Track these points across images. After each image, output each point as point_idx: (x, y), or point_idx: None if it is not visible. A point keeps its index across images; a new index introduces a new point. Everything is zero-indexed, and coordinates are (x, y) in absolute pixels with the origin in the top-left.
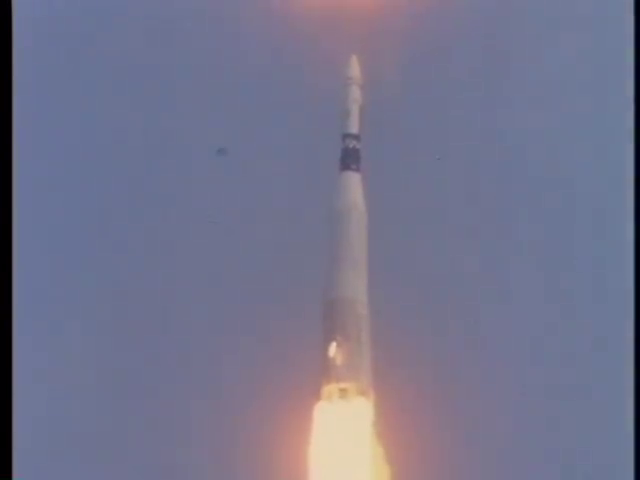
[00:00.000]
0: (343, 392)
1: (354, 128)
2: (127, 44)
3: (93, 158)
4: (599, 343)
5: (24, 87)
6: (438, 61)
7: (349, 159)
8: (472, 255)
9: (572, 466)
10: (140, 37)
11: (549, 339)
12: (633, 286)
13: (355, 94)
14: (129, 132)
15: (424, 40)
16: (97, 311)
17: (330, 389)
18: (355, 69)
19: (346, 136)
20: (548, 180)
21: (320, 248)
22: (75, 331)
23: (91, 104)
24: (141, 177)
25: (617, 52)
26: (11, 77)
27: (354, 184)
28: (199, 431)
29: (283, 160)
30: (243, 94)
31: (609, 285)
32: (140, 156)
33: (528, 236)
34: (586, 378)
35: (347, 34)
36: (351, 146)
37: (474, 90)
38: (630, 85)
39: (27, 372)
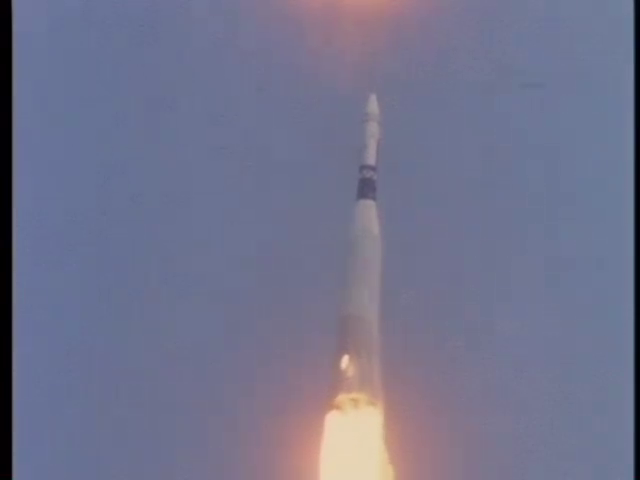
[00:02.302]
0: (354, 402)
1: (371, 160)
2: (129, 45)
3: (94, 158)
4: (601, 346)
5: (24, 88)
6: (451, 94)
7: (366, 188)
8: (480, 275)
9: (572, 467)
10: (141, 41)
11: (563, 349)
12: (633, 287)
13: (373, 129)
14: (131, 134)
15: (437, 72)
16: (100, 316)
17: (341, 399)
18: (373, 106)
19: (363, 167)
20: (555, 192)
21: (337, 269)
22: (76, 331)
23: (92, 105)
24: (145, 185)
25: (617, 52)
26: (11, 77)
27: (370, 211)
28: (210, 440)
29: (305, 188)
30: (268, 129)
31: (610, 287)
32: (143, 161)
33: (540, 252)
34: (589, 381)
35: (368, 72)
36: (368, 176)
37: (483, 124)
38: (630, 85)
39: (27, 369)
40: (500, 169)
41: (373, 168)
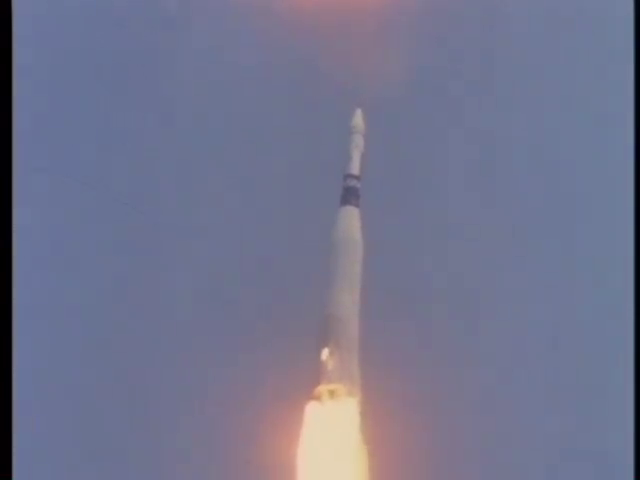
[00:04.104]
0: (332, 393)
1: (355, 170)
2: (128, 43)
3: (93, 157)
4: (599, 345)
5: (24, 89)
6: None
7: (349, 196)
8: (459, 278)
9: (571, 467)
10: (141, 39)
11: (557, 347)
12: (633, 287)
13: (357, 141)
14: (130, 133)
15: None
16: (96, 315)
17: (321, 390)
18: (359, 120)
19: (347, 176)
20: (550, 191)
21: (320, 271)
22: (75, 332)
23: (92, 103)
24: (142, 183)
25: (617, 52)
26: (11, 77)
27: (353, 217)
28: (194, 431)
29: (291, 194)
30: (257, 137)
31: (609, 289)
32: (141, 161)
33: (525, 251)
34: (586, 381)
35: (354, 86)
36: (351, 185)
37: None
38: (630, 84)
39: (27, 373)
40: (482, 175)
41: (357, 177)
